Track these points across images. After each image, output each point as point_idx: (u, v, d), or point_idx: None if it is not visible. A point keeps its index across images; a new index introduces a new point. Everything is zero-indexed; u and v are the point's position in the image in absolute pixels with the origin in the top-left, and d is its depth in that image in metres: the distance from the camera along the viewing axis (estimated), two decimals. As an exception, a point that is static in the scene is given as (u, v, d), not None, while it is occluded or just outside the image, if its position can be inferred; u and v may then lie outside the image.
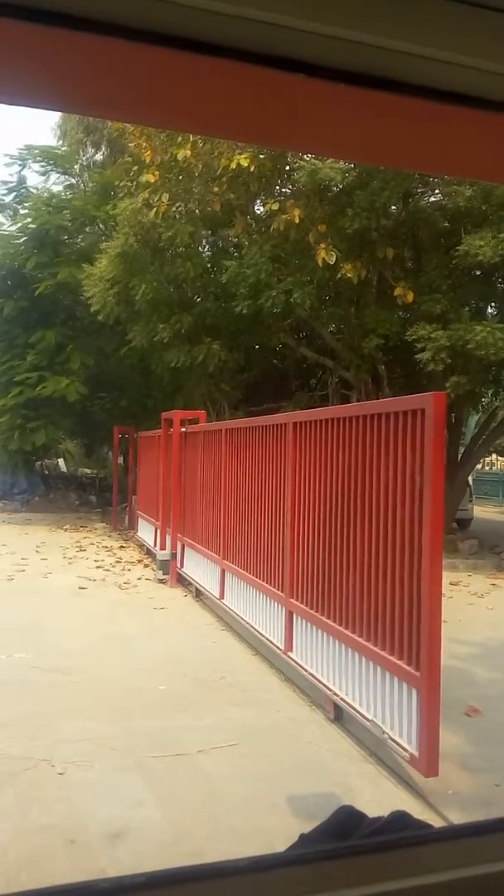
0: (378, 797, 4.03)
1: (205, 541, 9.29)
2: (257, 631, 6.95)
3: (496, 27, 0.65)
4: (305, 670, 5.71)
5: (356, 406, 6.12)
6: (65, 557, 12.54)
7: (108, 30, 0.60)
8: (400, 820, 0.99)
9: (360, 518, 4.95)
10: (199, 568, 9.53)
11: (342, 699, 5.04)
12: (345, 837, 0.95)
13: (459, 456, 15.63)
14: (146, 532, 13.72)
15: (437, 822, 3.68)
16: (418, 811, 3.81)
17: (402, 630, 4.30)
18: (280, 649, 6.29)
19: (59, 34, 0.59)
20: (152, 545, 12.52)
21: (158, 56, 0.62)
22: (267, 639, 6.66)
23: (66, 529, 16.53)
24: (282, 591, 6.38)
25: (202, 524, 9.53)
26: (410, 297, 11.92)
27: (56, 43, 0.60)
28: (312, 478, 5.82)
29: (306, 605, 5.84)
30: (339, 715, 5.11)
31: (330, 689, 5.22)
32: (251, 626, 7.14)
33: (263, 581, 6.92)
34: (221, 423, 10.39)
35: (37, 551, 12.96)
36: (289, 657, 6.10)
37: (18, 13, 0.57)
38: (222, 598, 8.30)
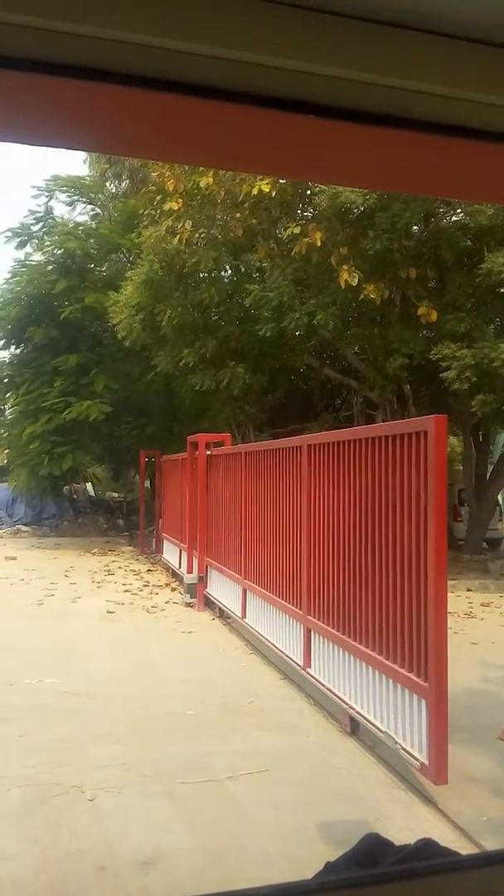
0: (411, 824, 3.96)
1: (229, 563, 9.30)
2: (278, 648, 7.03)
3: (488, 61, 0.69)
4: (323, 685, 5.81)
5: (364, 429, 6.31)
6: (93, 581, 12.60)
7: (145, 83, 0.67)
8: (427, 848, 0.99)
9: (369, 535, 5.08)
10: (225, 590, 9.52)
11: (357, 712, 5.13)
12: (371, 865, 0.94)
13: (488, 474, 15.47)
14: (172, 555, 13.74)
15: (471, 850, 3.60)
16: (452, 839, 3.74)
17: (411, 642, 4.40)
18: (300, 665, 6.36)
19: (94, 87, 0.66)
20: (178, 568, 12.53)
21: (186, 103, 0.69)
22: (286, 655, 6.75)
23: (94, 553, 16.62)
24: (299, 609, 6.46)
25: (227, 546, 9.55)
26: (434, 316, 11.91)
27: (92, 94, 0.67)
28: (325, 497, 5.98)
29: (323, 622, 5.93)
30: (354, 728, 5.24)
31: (346, 703, 5.32)
32: (272, 644, 7.22)
33: (282, 599, 7.02)
34: (242, 446, 10.43)
35: (65, 576, 13.04)
36: (307, 673, 6.20)
37: (59, 70, 0.64)
38: (244, 617, 8.35)
